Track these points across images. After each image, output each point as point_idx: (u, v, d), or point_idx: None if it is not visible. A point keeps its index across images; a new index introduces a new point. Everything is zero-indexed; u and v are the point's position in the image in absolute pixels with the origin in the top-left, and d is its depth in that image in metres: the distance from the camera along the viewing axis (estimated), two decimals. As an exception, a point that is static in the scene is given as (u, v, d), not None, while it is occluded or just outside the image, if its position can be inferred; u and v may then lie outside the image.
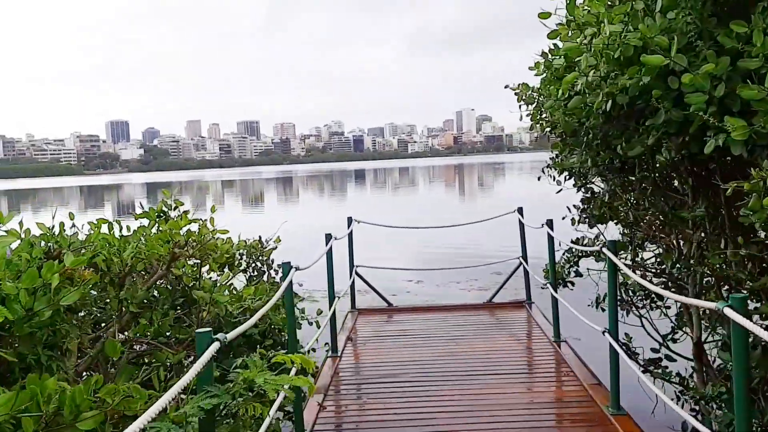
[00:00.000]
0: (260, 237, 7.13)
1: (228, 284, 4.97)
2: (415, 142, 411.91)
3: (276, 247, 7.11)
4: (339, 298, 6.79)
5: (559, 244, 6.57)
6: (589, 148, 4.84)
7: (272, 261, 7.01)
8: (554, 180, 6.08)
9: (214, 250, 4.38)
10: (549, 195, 6.42)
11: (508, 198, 39.43)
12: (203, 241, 4.26)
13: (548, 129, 5.56)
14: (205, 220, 4.57)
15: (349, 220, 8.22)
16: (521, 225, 8.30)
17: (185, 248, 4.15)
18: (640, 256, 5.54)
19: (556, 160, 5.87)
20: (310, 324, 6.76)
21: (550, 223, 6.76)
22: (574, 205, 6.10)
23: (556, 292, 6.51)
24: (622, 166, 4.98)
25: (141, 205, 4.77)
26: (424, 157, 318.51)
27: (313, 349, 5.95)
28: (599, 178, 5.56)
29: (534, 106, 5.74)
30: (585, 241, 6.08)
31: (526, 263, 8.32)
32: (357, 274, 8.50)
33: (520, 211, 8.26)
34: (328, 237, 6.89)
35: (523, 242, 8.41)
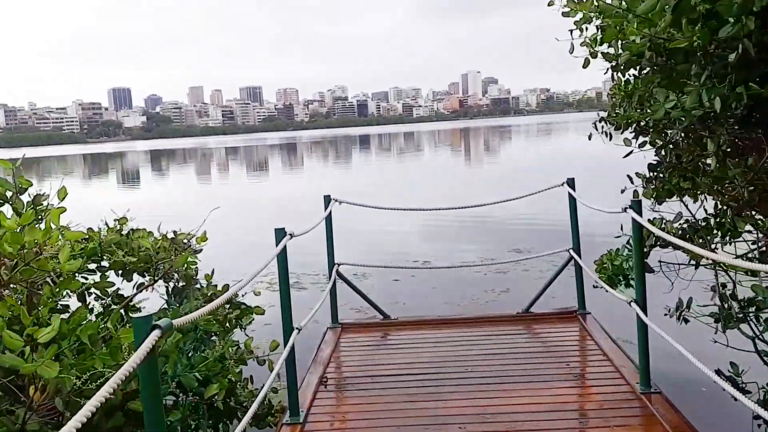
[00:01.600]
0: (175, 233, 4.80)
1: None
2: (420, 106, 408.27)
3: (200, 248, 4.89)
4: (315, 311, 4.73)
5: (621, 228, 4.83)
6: (716, 80, 3.15)
7: (195, 271, 4.85)
8: (609, 137, 4.66)
9: (49, 269, 2.68)
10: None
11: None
12: (28, 256, 2.49)
13: (618, 58, 3.82)
14: (44, 210, 2.76)
15: (327, 200, 5.82)
16: (572, 203, 5.90)
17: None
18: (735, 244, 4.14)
19: (619, 109, 4.46)
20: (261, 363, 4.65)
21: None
22: (637, 174, 4.59)
23: (619, 288, 4.86)
24: (749, 113, 3.57)
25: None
26: (429, 122, 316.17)
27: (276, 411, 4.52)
28: (681, 134, 4.08)
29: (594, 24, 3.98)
30: (664, 224, 4.37)
31: (579, 256, 5.90)
32: (339, 275, 6.05)
33: (570, 183, 5.88)
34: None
35: (574, 227, 5.99)
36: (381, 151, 65.09)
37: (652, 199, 4.42)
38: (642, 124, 4.34)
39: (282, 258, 4.04)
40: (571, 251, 6.00)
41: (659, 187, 4.35)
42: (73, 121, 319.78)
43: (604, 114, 4.73)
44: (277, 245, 3.98)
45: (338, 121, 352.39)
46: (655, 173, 4.46)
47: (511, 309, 6.39)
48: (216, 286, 4.80)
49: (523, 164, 37.59)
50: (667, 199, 4.37)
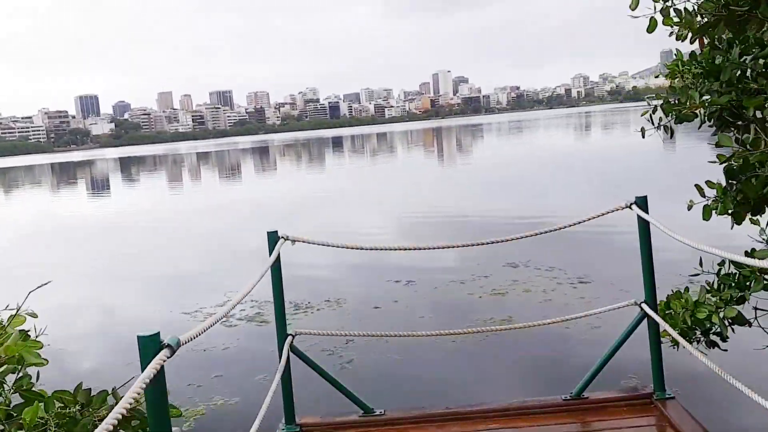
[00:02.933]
0: None
1: None
2: (391, 106, 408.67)
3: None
4: (262, 411, 3.16)
5: (700, 264, 3.51)
6: None
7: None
8: (669, 134, 3.61)
9: None
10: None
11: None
12: None
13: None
14: None
15: (272, 238, 3.86)
16: (643, 231, 3.97)
17: None
18: None
19: (685, 93, 3.37)
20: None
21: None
22: (708, 183, 3.41)
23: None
24: None
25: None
26: (401, 122, 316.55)
27: None
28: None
29: None
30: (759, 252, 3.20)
31: (655, 311, 3.88)
32: (294, 350, 4.03)
33: (641, 204, 3.98)
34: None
35: (647, 269, 3.97)
36: (354, 153, 64.93)
37: (729, 217, 3.35)
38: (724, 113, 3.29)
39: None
40: (644, 306, 3.97)
41: (737, 199, 3.24)
42: (39, 130, 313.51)
43: (658, 101, 3.62)
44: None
45: (310, 123, 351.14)
46: (735, 181, 3.30)
47: (554, 391, 4.34)
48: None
49: (509, 165, 37.71)
50: (750, 216, 3.31)
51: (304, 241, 4.02)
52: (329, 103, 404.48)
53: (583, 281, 9.57)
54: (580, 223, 4.34)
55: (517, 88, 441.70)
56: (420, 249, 4.45)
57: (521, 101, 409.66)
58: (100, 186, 46.00)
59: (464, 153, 49.73)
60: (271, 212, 21.61)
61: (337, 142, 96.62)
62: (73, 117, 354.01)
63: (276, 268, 3.82)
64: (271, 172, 45.94)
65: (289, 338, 4.00)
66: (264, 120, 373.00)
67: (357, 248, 4.39)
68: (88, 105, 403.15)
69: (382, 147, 70.78)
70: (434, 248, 4.59)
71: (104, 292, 11.98)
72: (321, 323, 8.50)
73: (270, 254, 3.71)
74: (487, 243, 4.38)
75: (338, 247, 4.39)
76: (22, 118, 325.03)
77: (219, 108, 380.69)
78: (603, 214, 4.22)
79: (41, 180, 62.07)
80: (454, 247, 5.04)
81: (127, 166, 74.59)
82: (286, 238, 3.88)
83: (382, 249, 4.62)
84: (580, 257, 11.13)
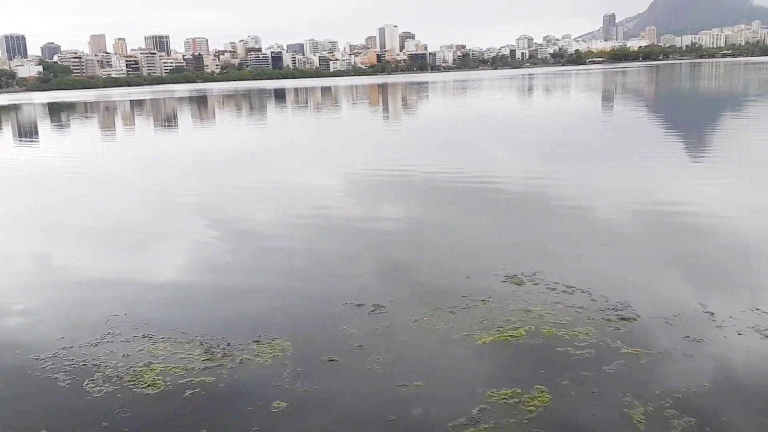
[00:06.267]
0: None
1: None
2: (336, 59, 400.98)
3: None
4: None
5: None
6: None
7: None
8: None
9: None
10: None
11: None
12: None
13: None
14: None
15: None
16: None
17: None
18: None
19: None
20: None
21: None
22: None
23: None
24: None
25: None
26: (347, 76, 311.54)
27: None
28: None
29: None
30: None
31: None
32: None
33: None
34: None
35: None
36: (298, 106, 63.41)
37: None
38: None
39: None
40: None
41: None
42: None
43: None
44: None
45: (251, 73, 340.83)
46: None
47: None
48: None
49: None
50: None
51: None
52: (272, 53, 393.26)
53: (624, 316, 6.70)
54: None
55: (463, 47, 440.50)
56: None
57: (467, 60, 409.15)
58: (27, 133, 43.43)
59: (410, 110, 49.25)
60: (208, 167, 20.81)
61: (279, 95, 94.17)
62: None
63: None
64: (209, 123, 44.33)
65: None
66: (202, 68, 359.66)
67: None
68: (14, 45, 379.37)
69: (326, 101, 69.41)
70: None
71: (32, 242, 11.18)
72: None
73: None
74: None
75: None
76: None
77: (155, 54, 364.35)
78: None
79: (-40, 123, 58.15)
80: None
81: (56, 111, 70.64)
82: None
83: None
84: (607, 266, 8.48)
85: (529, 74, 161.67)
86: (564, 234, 10.08)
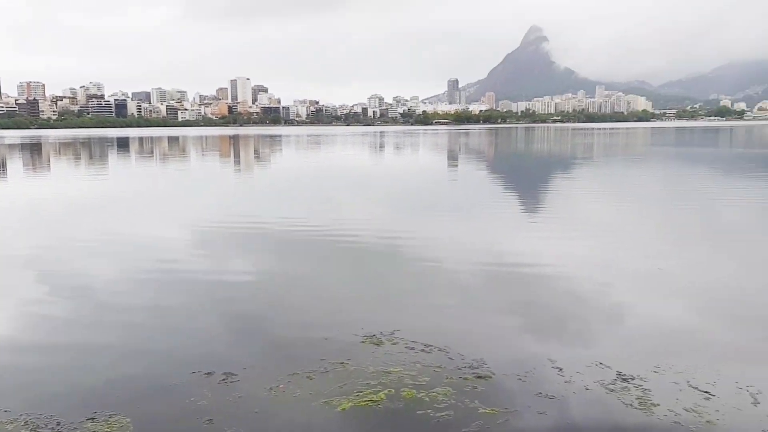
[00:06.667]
0: None
1: None
2: (185, 109, 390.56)
3: None
4: None
5: None
6: None
7: None
8: None
9: None
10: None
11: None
12: None
13: None
14: None
15: None
16: None
17: None
18: None
19: None
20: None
21: None
22: None
23: None
24: None
25: None
26: (196, 126, 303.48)
27: None
28: None
29: None
30: None
31: None
32: None
33: None
34: None
35: None
36: (142, 155, 60.43)
37: None
38: None
39: None
40: None
41: None
42: None
43: None
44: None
45: (92, 120, 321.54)
46: None
47: None
48: None
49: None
50: None
51: None
52: (116, 100, 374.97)
53: (480, 374, 6.58)
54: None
55: (317, 102, 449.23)
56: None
57: (320, 115, 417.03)
58: None
59: (262, 162, 48.70)
60: (42, 219, 18.92)
61: (122, 143, 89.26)
62: None
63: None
64: (44, 172, 40.74)
65: None
66: (38, 113, 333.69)
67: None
68: None
69: (174, 151, 66.81)
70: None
71: None
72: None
73: None
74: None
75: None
76: None
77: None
78: None
79: None
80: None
81: None
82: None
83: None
84: (461, 320, 8.32)
85: (381, 132, 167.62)
86: (418, 289, 10.20)
